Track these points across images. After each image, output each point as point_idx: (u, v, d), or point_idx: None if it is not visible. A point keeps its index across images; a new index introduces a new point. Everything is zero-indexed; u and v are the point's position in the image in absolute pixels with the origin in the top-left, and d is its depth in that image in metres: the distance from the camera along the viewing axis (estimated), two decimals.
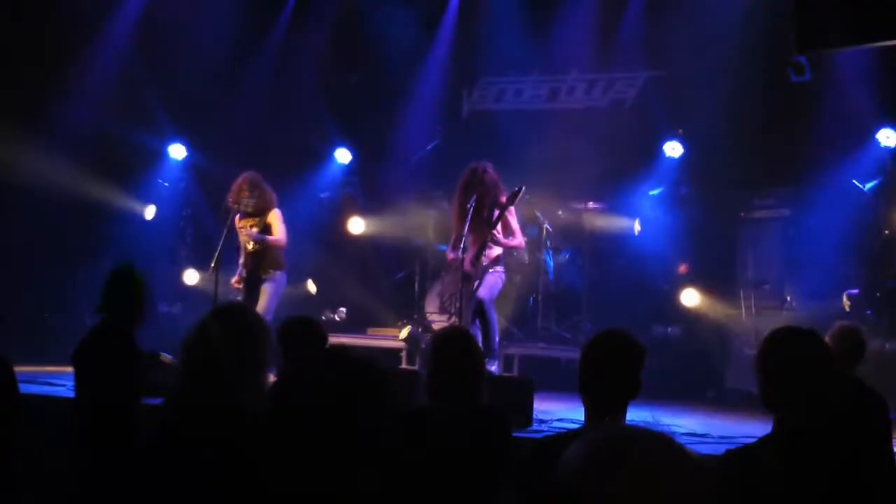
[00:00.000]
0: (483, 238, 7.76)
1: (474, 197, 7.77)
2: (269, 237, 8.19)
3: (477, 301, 7.70)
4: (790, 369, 2.92)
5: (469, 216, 7.76)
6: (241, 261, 8.37)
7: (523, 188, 7.77)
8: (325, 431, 1.82)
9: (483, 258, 7.77)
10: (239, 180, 8.32)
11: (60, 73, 10.06)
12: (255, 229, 8.21)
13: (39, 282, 10.04)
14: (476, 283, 7.73)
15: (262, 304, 8.08)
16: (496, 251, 7.87)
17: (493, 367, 7.54)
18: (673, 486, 1.37)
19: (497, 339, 7.90)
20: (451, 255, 8.06)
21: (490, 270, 7.82)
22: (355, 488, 1.83)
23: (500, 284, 7.95)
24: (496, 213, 7.75)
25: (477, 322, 7.73)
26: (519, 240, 7.98)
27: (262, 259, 8.19)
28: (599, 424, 3.13)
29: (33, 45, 9.88)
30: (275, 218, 8.24)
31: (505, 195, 7.87)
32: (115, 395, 4.48)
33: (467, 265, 7.73)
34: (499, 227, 7.74)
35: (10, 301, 9.39)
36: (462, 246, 7.70)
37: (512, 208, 7.83)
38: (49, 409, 5.50)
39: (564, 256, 10.29)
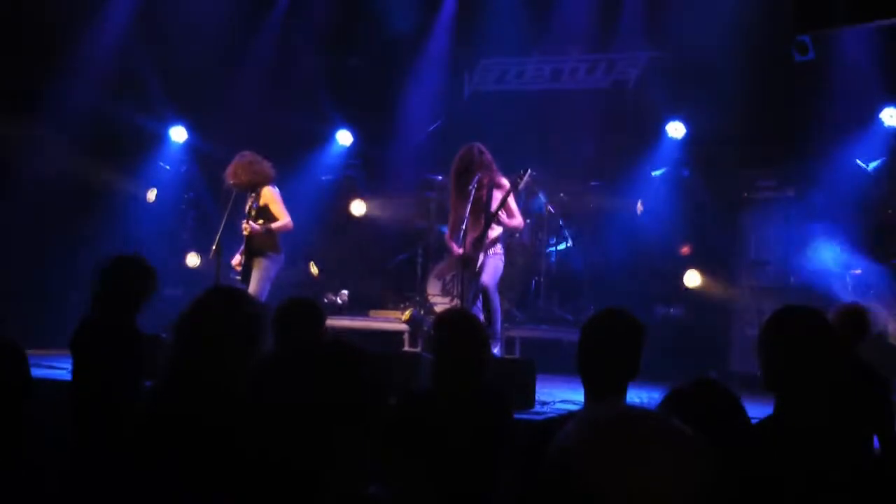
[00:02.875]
0: (483, 220, 7.74)
1: (476, 178, 7.74)
2: (274, 224, 8.14)
3: (481, 287, 7.68)
4: (793, 349, 2.89)
5: (471, 198, 7.74)
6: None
7: (529, 170, 7.74)
8: (309, 415, 1.82)
9: (486, 239, 7.76)
10: (233, 161, 8.31)
11: (60, 54, 10.02)
12: (252, 211, 8.16)
13: (41, 265, 10.03)
14: (478, 265, 7.71)
15: (253, 287, 8.05)
16: (496, 232, 7.85)
17: (495, 350, 7.54)
18: (667, 464, 1.36)
19: (500, 323, 7.89)
20: (454, 246, 8.03)
21: (490, 253, 7.79)
22: (341, 468, 1.83)
23: (500, 267, 7.93)
24: (495, 194, 7.73)
25: (479, 304, 7.72)
26: (519, 220, 7.95)
27: (253, 241, 8.14)
28: (598, 405, 3.12)
29: (33, 27, 9.83)
30: (271, 198, 8.15)
31: (500, 176, 7.85)
32: (115, 380, 4.48)
33: (468, 247, 7.71)
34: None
35: (11, 284, 9.40)
36: (463, 228, 7.68)
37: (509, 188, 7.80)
38: (51, 392, 5.51)
39: (566, 238, 10.27)
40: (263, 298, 7.94)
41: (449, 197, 8.53)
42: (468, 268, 7.69)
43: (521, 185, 7.82)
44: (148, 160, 11.00)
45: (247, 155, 8.24)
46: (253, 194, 8.14)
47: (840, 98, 9.04)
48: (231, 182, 8.21)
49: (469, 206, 7.70)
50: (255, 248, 8.13)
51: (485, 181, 7.78)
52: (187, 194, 11.06)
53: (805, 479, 2.73)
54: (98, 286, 4.71)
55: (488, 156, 7.87)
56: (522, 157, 8.28)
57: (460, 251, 7.82)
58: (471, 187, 7.72)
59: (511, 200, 7.83)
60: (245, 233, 8.00)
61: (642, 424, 1.41)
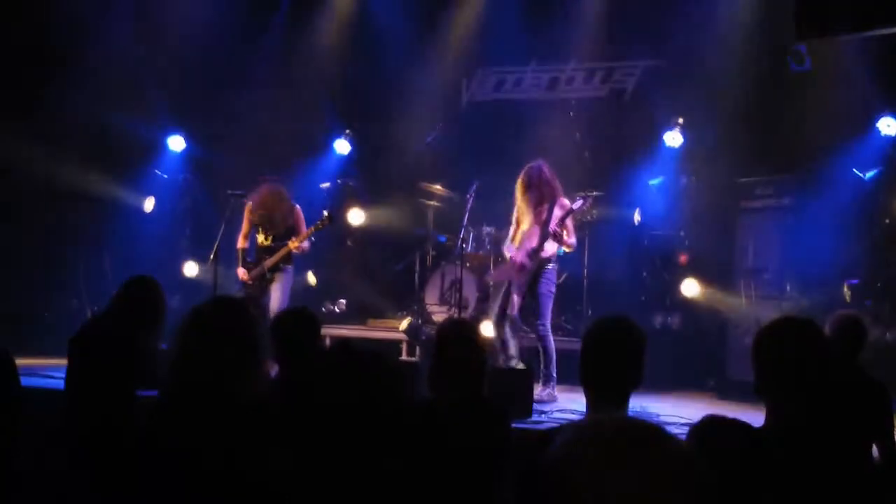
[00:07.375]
0: (540, 234, 7.85)
1: (538, 195, 7.87)
2: (304, 243, 8.36)
3: (539, 326, 7.88)
4: (784, 360, 2.89)
5: (533, 214, 7.82)
6: (250, 256, 8.42)
7: (595, 193, 7.90)
8: (340, 426, 1.82)
9: (541, 252, 7.85)
10: (266, 193, 8.39)
11: (59, 64, 10.03)
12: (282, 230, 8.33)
13: (39, 273, 10.02)
14: (529, 278, 7.86)
15: (278, 299, 8.15)
16: (552, 248, 7.93)
17: (551, 390, 7.59)
18: (664, 477, 1.36)
19: (555, 364, 7.90)
20: (509, 252, 8.15)
21: (546, 269, 7.89)
22: (373, 482, 1.83)
23: (553, 290, 8.09)
24: (556, 211, 7.82)
25: (507, 328, 7.87)
26: (573, 239, 8.06)
27: (280, 255, 8.28)
28: (598, 415, 3.11)
29: (32, 37, 9.84)
30: (302, 219, 8.35)
31: (562, 194, 7.98)
32: (111, 388, 4.48)
33: (524, 258, 7.83)
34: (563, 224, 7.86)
35: (9, 292, 9.39)
36: (521, 241, 7.83)
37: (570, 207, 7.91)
38: (48, 401, 5.50)
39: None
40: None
41: (449, 205, 8.57)
42: (521, 277, 7.84)
43: (583, 207, 8.03)
44: (146, 169, 11.00)
45: (278, 186, 8.36)
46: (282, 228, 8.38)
47: (837, 107, 9.05)
48: (264, 212, 8.28)
49: (531, 220, 7.79)
50: (281, 261, 8.26)
51: (545, 198, 7.89)
52: (185, 203, 11.05)
53: (797, 489, 2.72)
54: (116, 299, 4.78)
55: (549, 173, 8.04)
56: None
57: (512, 254, 8.03)
58: (533, 204, 7.91)
59: (570, 220, 7.94)
60: (299, 251, 8.15)
61: (640, 436, 1.40)
